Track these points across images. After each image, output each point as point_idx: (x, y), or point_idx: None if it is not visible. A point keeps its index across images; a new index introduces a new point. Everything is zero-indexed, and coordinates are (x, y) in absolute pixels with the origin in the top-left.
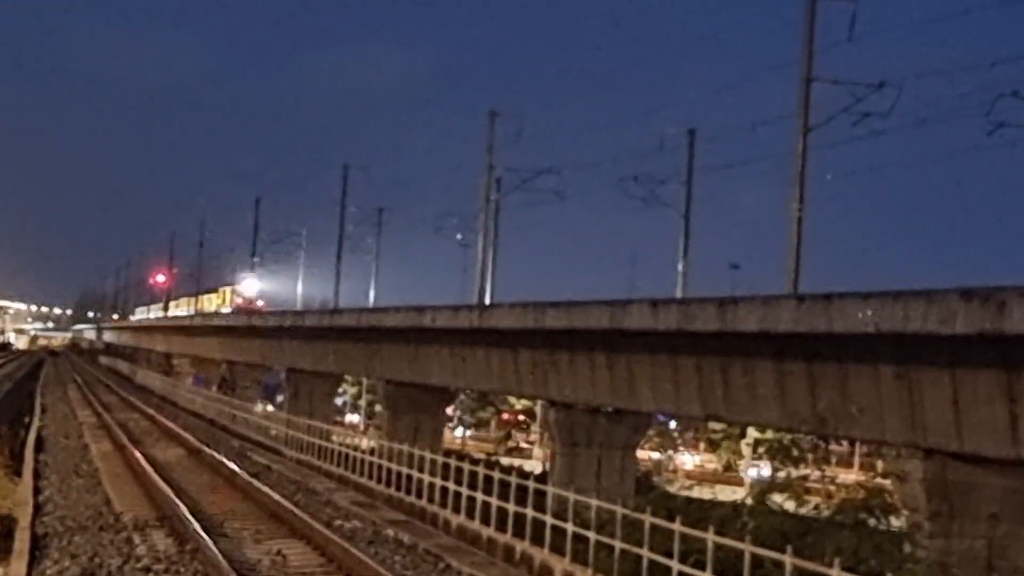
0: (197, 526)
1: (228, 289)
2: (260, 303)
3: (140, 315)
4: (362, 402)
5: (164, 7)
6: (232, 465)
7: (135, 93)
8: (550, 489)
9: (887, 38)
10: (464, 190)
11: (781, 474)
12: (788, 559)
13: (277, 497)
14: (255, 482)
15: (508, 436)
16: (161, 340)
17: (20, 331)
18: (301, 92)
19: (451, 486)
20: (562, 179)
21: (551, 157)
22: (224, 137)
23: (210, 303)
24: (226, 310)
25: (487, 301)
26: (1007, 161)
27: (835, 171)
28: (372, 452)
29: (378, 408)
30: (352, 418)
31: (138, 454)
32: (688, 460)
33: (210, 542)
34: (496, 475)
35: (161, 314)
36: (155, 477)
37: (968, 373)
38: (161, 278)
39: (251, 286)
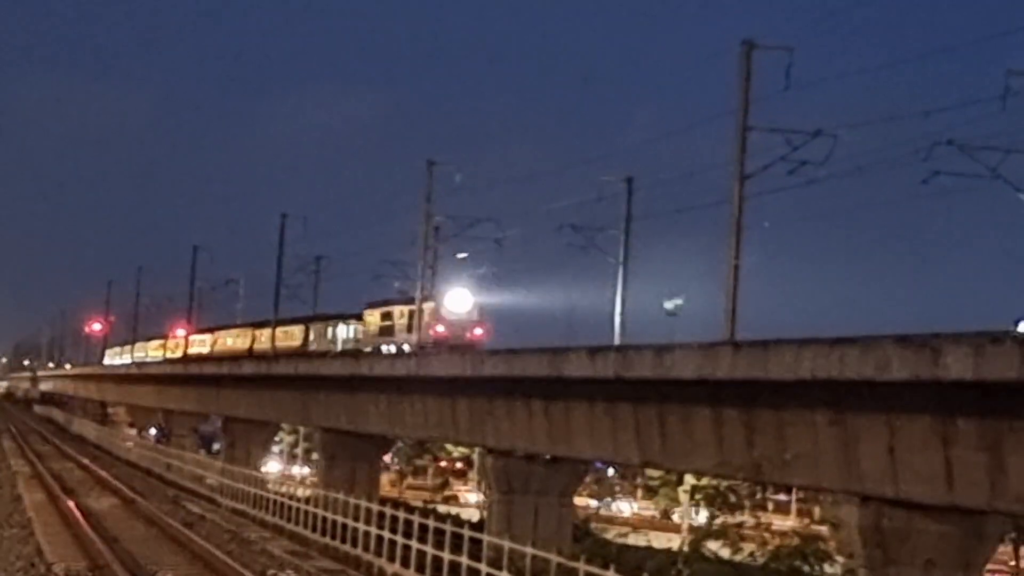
0: None
1: (407, 309)
2: (479, 331)
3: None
4: (299, 450)
5: (104, 55)
6: (166, 515)
7: (71, 142)
8: (485, 537)
9: (824, 87)
10: (405, 238)
11: (718, 521)
12: None
13: (210, 547)
14: (189, 532)
15: (445, 484)
16: (96, 389)
17: None
18: (243, 140)
19: (386, 534)
20: (500, 227)
21: (490, 206)
22: (163, 186)
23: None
24: (404, 339)
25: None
26: (942, 209)
27: (774, 219)
28: (308, 501)
29: (315, 456)
30: (271, 468)
31: (72, 504)
32: (626, 507)
33: None
34: (431, 523)
35: (139, 355)
36: (88, 528)
37: (903, 419)
38: (97, 326)
39: (461, 301)
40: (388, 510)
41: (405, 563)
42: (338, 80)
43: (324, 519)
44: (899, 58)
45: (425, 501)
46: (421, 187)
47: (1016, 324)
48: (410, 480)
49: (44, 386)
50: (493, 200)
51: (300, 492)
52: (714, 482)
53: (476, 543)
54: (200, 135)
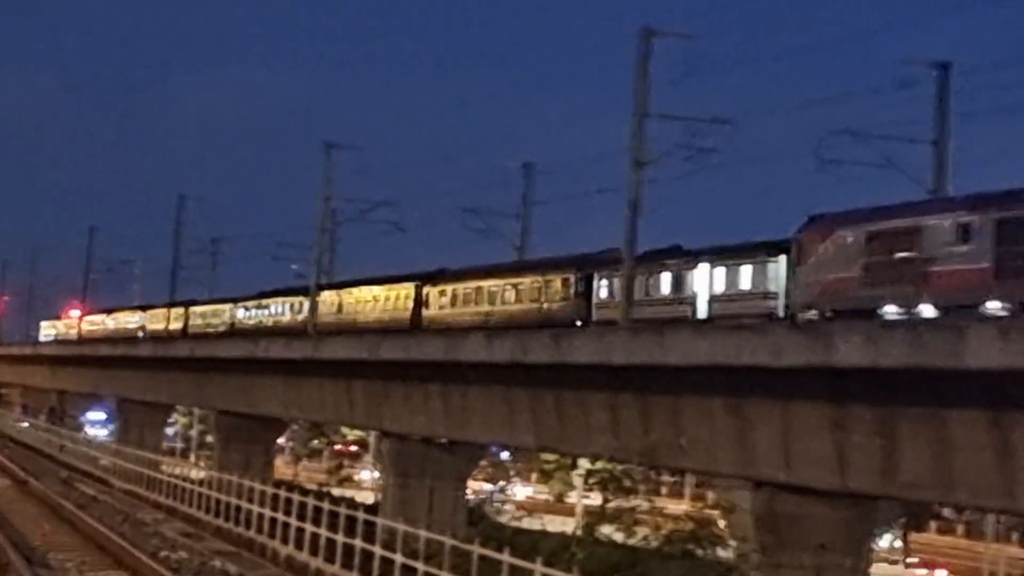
0: (20, 557)
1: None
2: None
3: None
4: (193, 432)
5: (1, 34)
6: (58, 496)
7: None
8: (379, 520)
9: (725, 75)
10: (303, 221)
11: (612, 504)
12: None
13: (103, 528)
14: (81, 513)
15: (340, 466)
16: None
17: None
18: (141, 121)
19: (280, 516)
20: (400, 211)
21: (393, 189)
22: (60, 165)
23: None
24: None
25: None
26: (838, 197)
27: (672, 206)
28: (202, 483)
29: (209, 438)
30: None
31: None
32: (520, 491)
33: (32, 574)
34: (326, 506)
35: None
36: None
37: (797, 405)
38: None
39: None
40: (283, 492)
41: (299, 545)
42: (237, 62)
43: (218, 501)
44: (800, 46)
45: (320, 484)
46: (320, 170)
47: None
48: (305, 463)
49: None
50: (395, 183)
51: (194, 474)
52: (608, 466)
53: (371, 526)
54: (98, 115)
